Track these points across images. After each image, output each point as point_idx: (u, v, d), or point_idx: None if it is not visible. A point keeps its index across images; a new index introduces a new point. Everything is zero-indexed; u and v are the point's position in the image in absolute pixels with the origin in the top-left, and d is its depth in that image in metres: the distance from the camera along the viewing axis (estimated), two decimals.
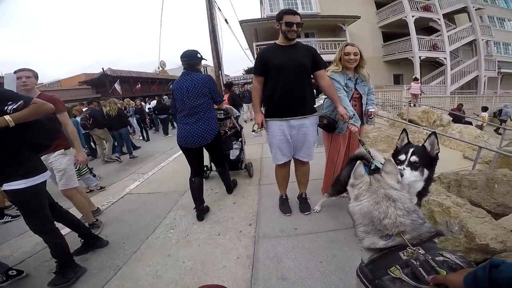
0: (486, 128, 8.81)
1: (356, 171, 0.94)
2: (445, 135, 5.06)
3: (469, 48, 16.61)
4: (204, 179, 2.94)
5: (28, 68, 2.21)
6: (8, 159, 1.56)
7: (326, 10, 14.61)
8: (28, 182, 1.60)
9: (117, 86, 17.28)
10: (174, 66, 28.72)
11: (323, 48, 13.66)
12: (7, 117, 1.42)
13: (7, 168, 1.56)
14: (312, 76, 2.17)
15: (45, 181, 1.74)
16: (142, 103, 10.43)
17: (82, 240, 2.16)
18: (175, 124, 9.28)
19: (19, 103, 1.49)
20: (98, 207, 2.94)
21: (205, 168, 3.33)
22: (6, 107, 1.46)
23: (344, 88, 2.18)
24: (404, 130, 1.50)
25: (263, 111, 2.27)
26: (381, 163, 1.50)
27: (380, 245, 0.80)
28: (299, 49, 2.10)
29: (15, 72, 2.10)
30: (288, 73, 2.04)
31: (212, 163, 3.55)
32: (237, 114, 3.53)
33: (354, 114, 2.10)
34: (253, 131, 2.25)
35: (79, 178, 3.57)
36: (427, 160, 1.34)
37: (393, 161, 0.99)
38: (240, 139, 3.60)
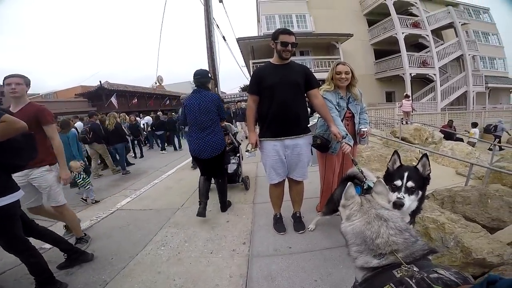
0: (478, 145, 8.97)
1: (347, 192, 0.96)
2: (437, 153, 5.16)
3: (457, 64, 17.10)
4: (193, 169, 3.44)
5: (20, 74, 2.10)
6: None
7: (321, 28, 15.13)
8: None
9: (113, 100, 17.36)
10: (171, 82, 29.10)
11: (317, 66, 14.01)
12: None
13: None
14: (306, 95, 2.20)
15: (16, 201, 1.65)
16: (137, 118, 10.31)
17: (66, 255, 2.09)
18: (175, 141, 9.14)
19: None
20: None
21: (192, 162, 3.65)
22: None
23: (336, 107, 2.21)
24: (396, 152, 1.49)
25: (258, 131, 2.28)
26: (373, 183, 1.51)
27: (373, 264, 0.79)
28: (292, 68, 2.15)
29: (5, 78, 2.03)
30: (281, 92, 2.07)
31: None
32: (235, 131, 3.84)
33: (347, 134, 2.12)
34: (247, 151, 2.26)
35: (81, 189, 3.65)
36: (420, 182, 1.37)
37: (383, 182, 1.01)
38: (238, 155, 3.82)
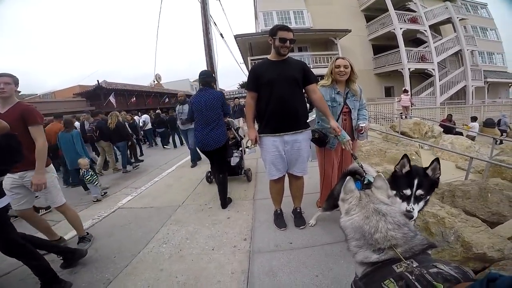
0: (478, 138, 8.98)
1: (346, 186, 0.95)
2: (437, 147, 5.19)
3: (456, 59, 17.12)
4: (209, 183, 3.93)
5: (8, 73, 2.03)
6: None
7: (318, 24, 15.09)
8: None
9: (112, 99, 17.28)
10: (170, 80, 28.98)
11: (316, 62, 13.99)
12: None
13: None
14: (304, 90, 2.20)
15: (3, 207, 1.63)
16: (135, 117, 10.27)
17: (61, 257, 2.08)
18: (176, 139, 9.13)
19: None
20: (61, 236, 2.52)
21: (209, 174, 3.98)
22: None
23: (328, 103, 2.20)
24: (406, 156, 1.40)
25: (257, 127, 2.28)
26: (373, 177, 1.50)
27: (373, 259, 0.79)
28: (290, 64, 2.14)
29: None
30: (279, 88, 2.07)
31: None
32: (237, 126, 4.15)
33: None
34: (247, 147, 2.26)
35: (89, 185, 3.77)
36: (429, 187, 1.34)
37: (383, 176, 1.00)
38: (240, 149, 4.06)
